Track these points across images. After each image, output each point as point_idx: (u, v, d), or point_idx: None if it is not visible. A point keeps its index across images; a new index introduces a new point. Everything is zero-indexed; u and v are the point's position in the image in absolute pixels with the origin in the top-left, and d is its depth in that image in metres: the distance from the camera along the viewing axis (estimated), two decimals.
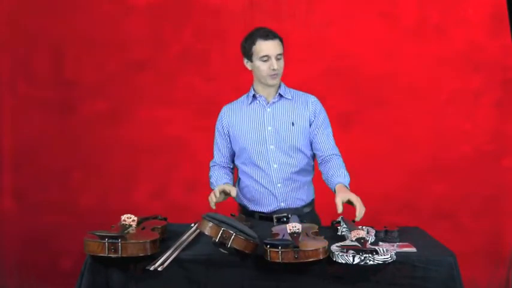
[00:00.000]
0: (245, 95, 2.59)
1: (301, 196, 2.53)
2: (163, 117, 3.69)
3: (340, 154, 2.50)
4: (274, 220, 2.48)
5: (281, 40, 2.45)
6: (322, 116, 2.52)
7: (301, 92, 2.57)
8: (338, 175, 2.37)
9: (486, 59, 3.61)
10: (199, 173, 3.66)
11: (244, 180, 2.57)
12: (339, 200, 2.18)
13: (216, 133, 2.61)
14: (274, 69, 2.41)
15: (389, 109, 3.65)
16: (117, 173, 3.71)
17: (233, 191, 2.33)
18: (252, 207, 2.55)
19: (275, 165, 2.47)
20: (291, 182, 2.50)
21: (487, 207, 3.66)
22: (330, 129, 2.53)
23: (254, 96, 2.53)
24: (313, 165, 2.60)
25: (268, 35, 2.42)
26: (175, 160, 3.73)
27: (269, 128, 2.49)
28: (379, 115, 3.64)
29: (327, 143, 2.49)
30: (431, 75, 3.63)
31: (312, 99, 2.53)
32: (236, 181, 2.65)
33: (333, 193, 2.38)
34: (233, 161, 2.62)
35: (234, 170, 2.65)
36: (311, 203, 2.59)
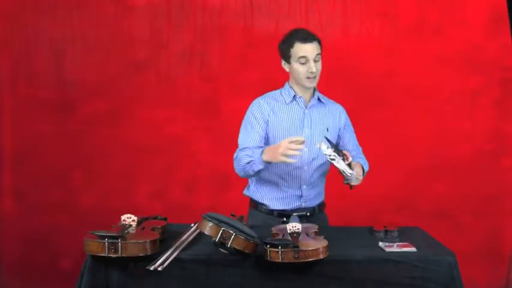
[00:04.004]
0: (278, 92, 2.55)
1: (318, 197, 2.60)
2: (163, 117, 3.69)
3: (364, 155, 2.67)
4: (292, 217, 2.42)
5: (319, 42, 2.47)
6: (350, 125, 2.66)
7: (330, 99, 2.64)
8: (358, 159, 2.54)
9: (485, 59, 3.61)
10: (199, 173, 3.70)
11: (268, 178, 2.53)
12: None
13: (254, 122, 2.47)
14: (312, 72, 2.42)
15: (389, 109, 3.65)
16: (117, 173, 3.71)
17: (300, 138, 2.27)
18: (272, 205, 2.55)
19: (305, 167, 2.50)
20: (314, 185, 2.56)
21: (487, 207, 3.66)
22: (355, 137, 2.68)
23: (294, 97, 2.53)
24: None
25: (307, 38, 2.43)
26: (175, 160, 3.73)
27: (306, 130, 2.51)
28: (379, 115, 3.64)
29: (357, 150, 2.67)
30: (431, 75, 3.63)
31: (341, 109, 2.64)
32: (252, 180, 2.62)
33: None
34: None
35: None
36: (323, 203, 2.65)
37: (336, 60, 3.62)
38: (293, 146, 2.21)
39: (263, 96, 2.57)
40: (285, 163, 2.36)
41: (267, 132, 2.49)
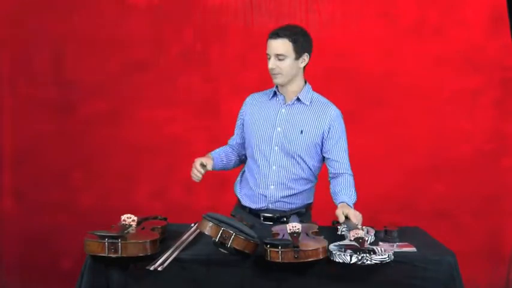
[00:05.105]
0: (271, 89, 2.56)
1: (293, 201, 2.50)
2: (163, 117, 3.69)
3: (352, 174, 2.47)
4: (261, 218, 2.47)
5: (293, 39, 2.36)
6: (339, 132, 2.46)
7: (324, 101, 2.51)
8: (345, 193, 2.37)
9: (485, 59, 3.61)
10: None
11: (246, 173, 2.59)
12: (340, 211, 2.22)
13: (237, 119, 2.65)
14: (270, 69, 2.40)
15: (389, 109, 3.65)
16: (117, 173, 3.71)
17: (209, 164, 2.40)
18: (243, 201, 2.55)
19: (274, 167, 2.46)
20: (285, 188, 2.46)
21: (487, 207, 3.66)
22: (345, 146, 2.48)
23: (275, 93, 2.52)
24: (316, 176, 2.56)
25: (273, 34, 2.39)
26: (175, 160, 3.73)
27: (278, 129, 2.46)
28: (379, 115, 3.64)
29: (341, 162, 2.45)
30: (431, 75, 3.63)
31: (332, 112, 2.46)
32: (241, 171, 2.66)
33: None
34: (245, 149, 2.64)
35: (244, 156, 2.65)
36: (304, 207, 2.55)
37: (336, 60, 3.63)
38: (194, 170, 2.37)
39: (256, 93, 2.62)
40: (254, 160, 2.49)
41: (244, 128, 2.57)
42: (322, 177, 2.58)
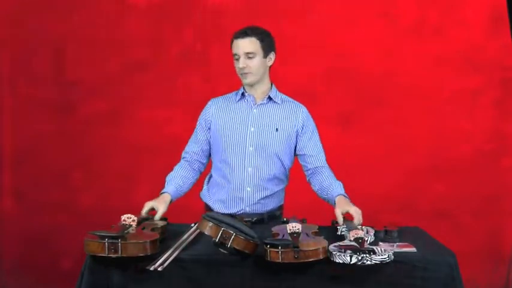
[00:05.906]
0: (234, 92, 2.55)
1: (268, 202, 2.49)
2: (163, 117, 3.70)
3: (328, 165, 2.49)
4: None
5: (260, 38, 2.39)
6: (312, 128, 2.50)
7: (291, 99, 2.53)
8: (336, 186, 2.37)
9: (485, 59, 3.61)
10: None
11: (216, 179, 2.53)
12: (339, 212, 2.21)
13: (198, 125, 2.58)
14: (240, 68, 2.40)
15: (389, 109, 3.65)
16: (117, 173, 3.72)
17: (160, 210, 2.31)
18: (217, 208, 2.51)
19: (249, 169, 2.44)
20: (261, 189, 2.45)
21: (487, 207, 3.66)
22: (319, 141, 2.51)
23: (243, 95, 2.50)
24: (288, 175, 2.56)
25: (239, 34, 2.39)
26: (175, 160, 3.68)
27: (252, 128, 2.45)
28: (379, 115, 3.64)
29: (317, 156, 2.47)
30: (431, 75, 3.64)
31: (303, 109, 2.50)
32: (206, 178, 2.61)
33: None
34: (207, 157, 2.58)
35: (205, 166, 2.60)
36: (278, 209, 2.55)
37: (336, 60, 3.63)
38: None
39: (217, 97, 2.59)
40: (227, 164, 2.44)
41: (212, 133, 2.52)
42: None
